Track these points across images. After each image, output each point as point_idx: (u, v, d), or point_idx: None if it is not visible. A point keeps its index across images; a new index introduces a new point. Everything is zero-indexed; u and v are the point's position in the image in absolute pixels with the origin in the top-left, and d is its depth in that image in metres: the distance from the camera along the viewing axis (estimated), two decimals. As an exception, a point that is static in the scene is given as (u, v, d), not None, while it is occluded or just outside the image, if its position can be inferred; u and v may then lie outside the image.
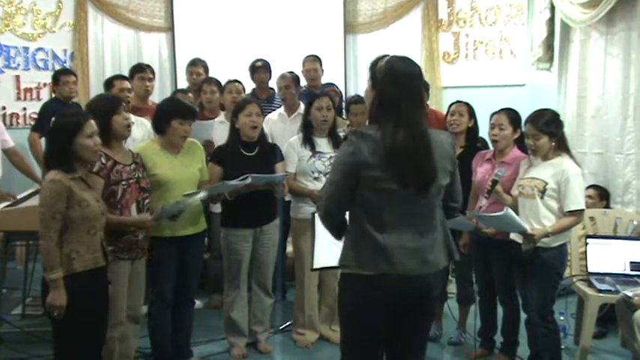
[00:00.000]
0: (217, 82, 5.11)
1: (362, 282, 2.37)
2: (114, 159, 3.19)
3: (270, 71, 5.43)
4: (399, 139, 2.27)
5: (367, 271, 2.35)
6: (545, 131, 3.42)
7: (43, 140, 4.91)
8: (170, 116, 3.53)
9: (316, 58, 5.63)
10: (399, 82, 2.34)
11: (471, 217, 3.65)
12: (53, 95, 5.69)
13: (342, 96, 5.94)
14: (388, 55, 2.43)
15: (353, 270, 2.39)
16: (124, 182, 3.19)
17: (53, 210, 2.70)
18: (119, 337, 3.30)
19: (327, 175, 2.50)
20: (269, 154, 4.02)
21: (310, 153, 4.06)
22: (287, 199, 4.34)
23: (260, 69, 5.42)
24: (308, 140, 4.07)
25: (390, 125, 2.30)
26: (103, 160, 3.12)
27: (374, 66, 2.42)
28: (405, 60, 2.42)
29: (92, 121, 2.84)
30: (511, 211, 3.31)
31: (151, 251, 3.44)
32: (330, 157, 4.03)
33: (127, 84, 4.67)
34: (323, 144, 4.11)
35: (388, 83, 2.35)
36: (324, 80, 5.72)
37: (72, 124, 2.80)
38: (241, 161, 3.87)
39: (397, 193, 2.31)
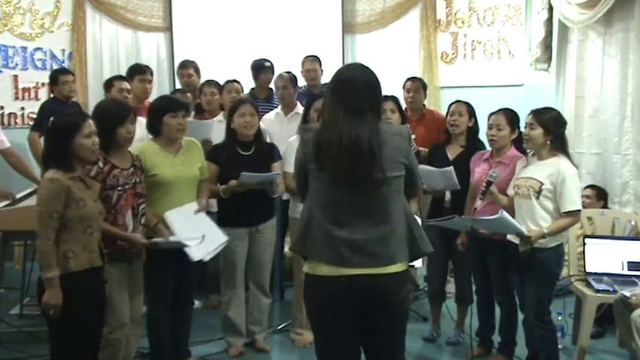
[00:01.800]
0: (217, 84, 5.11)
1: (317, 283, 2.44)
2: (112, 163, 3.17)
3: (274, 73, 5.43)
4: (323, 142, 2.39)
5: (316, 265, 2.43)
6: (543, 124, 3.43)
7: (42, 140, 4.90)
8: (161, 113, 3.53)
9: (315, 59, 5.64)
10: (333, 90, 2.47)
11: (466, 220, 3.65)
12: (51, 95, 5.67)
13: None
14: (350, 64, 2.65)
15: (311, 268, 2.47)
16: (119, 188, 3.18)
17: (51, 209, 2.70)
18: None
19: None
20: (266, 153, 4.03)
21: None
22: (284, 198, 4.34)
23: (268, 69, 5.43)
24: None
25: (321, 127, 2.47)
26: (101, 164, 3.10)
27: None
28: (353, 68, 2.54)
29: (90, 121, 2.85)
30: (505, 214, 3.31)
31: (147, 253, 3.44)
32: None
33: (126, 84, 4.67)
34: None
35: (329, 89, 2.51)
36: (323, 81, 5.72)
37: (70, 124, 2.80)
38: (237, 160, 3.88)
39: (341, 186, 2.39)
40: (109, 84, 4.66)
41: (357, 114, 2.39)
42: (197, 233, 3.42)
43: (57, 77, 5.34)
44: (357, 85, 2.43)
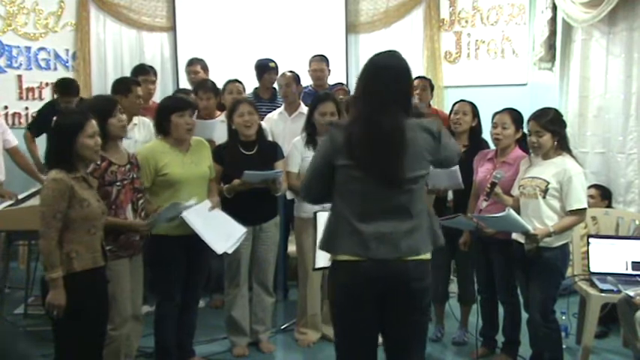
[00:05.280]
0: (213, 89, 4.98)
1: (343, 267, 2.43)
2: (109, 159, 3.19)
3: (278, 73, 5.43)
4: (354, 133, 2.38)
5: (342, 255, 2.42)
6: (549, 129, 3.43)
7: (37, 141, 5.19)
8: (168, 112, 3.55)
9: (323, 58, 5.64)
10: (364, 78, 2.46)
11: (472, 219, 3.65)
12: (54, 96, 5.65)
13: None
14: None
15: (336, 256, 2.46)
16: (118, 183, 3.19)
17: (54, 209, 2.70)
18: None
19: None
20: (269, 152, 4.03)
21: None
22: (289, 197, 4.34)
23: (273, 70, 5.43)
24: (312, 142, 4.07)
25: (352, 119, 2.46)
26: (97, 161, 3.11)
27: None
28: (383, 56, 2.49)
29: (93, 121, 2.85)
30: (512, 212, 3.31)
31: (156, 253, 3.45)
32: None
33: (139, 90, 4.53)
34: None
35: (359, 79, 2.49)
36: (330, 81, 5.72)
37: (74, 124, 2.81)
38: (240, 160, 3.89)
39: (372, 183, 2.38)
40: (128, 88, 4.45)
41: (390, 106, 2.40)
42: (215, 228, 3.45)
43: (61, 94, 5.19)
44: (391, 72, 2.43)
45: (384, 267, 2.39)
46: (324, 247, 2.50)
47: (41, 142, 5.13)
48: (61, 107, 4.83)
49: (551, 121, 3.45)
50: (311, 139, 4.07)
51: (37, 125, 5.35)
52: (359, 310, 2.45)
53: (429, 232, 2.49)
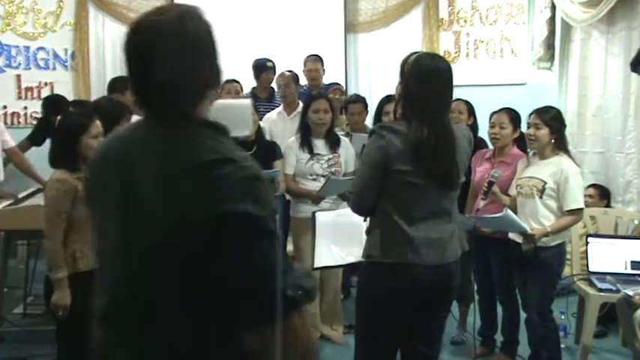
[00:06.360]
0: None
1: (388, 270, 2.42)
2: None
3: (275, 73, 5.43)
4: (424, 136, 2.33)
5: (390, 258, 2.41)
6: (548, 124, 3.44)
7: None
8: None
9: (318, 58, 5.63)
10: (424, 80, 2.39)
11: (470, 218, 3.66)
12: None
13: (346, 95, 5.94)
14: (418, 52, 2.53)
15: (378, 260, 2.45)
16: None
17: (59, 209, 2.71)
18: None
19: (357, 167, 2.61)
20: (268, 152, 4.03)
21: (308, 156, 4.05)
22: (288, 197, 4.34)
23: (270, 69, 5.43)
24: (306, 142, 4.07)
25: (416, 122, 2.36)
26: None
27: (404, 62, 2.47)
28: (434, 57, 2.53)
29: (98, 122, 2.87)
30: (510, 212, 3.32)
31: None
32: (329, 159, 4.05)
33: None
34: (320, 145, 4.10)
35: (414, 80, 2.41)
36: (325, 80, 5.72)
37: (78, 125, 2.82)
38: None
39: (424, 188, 2.38)
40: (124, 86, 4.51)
41: (445, 108, 2.46)
42: None
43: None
44: (444, 75, 2.44)
45: (433, 272, 2.42)
46: (375, 253, 2.45)
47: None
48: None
49: (552, 117, 3.47)
50: (305, 140, 4.07)
51: (35, 136, 5.29)
52: (397, 312, 2.46)
53: (459, 237, 2.58)
